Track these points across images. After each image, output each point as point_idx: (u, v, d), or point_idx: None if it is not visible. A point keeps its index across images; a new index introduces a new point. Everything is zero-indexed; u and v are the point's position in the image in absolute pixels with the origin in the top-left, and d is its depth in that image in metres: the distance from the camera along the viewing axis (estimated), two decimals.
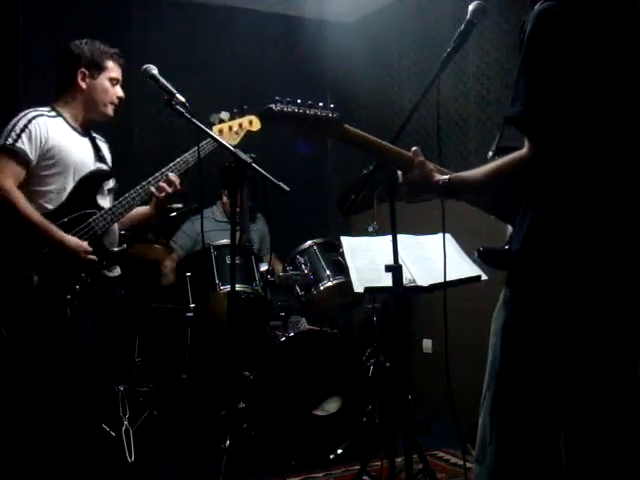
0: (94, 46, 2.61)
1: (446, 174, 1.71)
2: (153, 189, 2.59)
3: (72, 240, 2.46)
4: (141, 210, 2.70)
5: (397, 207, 2.16)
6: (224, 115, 2.69)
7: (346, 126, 1.77)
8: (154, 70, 2.37)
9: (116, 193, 2.72)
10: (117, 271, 2.68)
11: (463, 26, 1.90)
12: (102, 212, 2.54)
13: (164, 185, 2.59)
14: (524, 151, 1.48)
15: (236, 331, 3.00)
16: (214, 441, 3.10)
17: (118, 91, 2.65)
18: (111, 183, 2.69)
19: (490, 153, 1.73)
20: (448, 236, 2.64)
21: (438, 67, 1.91)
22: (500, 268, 1.65)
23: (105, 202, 2.62)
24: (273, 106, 1.71)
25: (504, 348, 1.57)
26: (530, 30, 1.47)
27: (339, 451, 3.38)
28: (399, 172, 1.81)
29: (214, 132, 2.65)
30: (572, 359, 1.51)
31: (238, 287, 3.27)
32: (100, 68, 2.59)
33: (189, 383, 3.56)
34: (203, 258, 3.51)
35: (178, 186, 2.60)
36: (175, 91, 2.31)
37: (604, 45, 1.46)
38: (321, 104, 1.74)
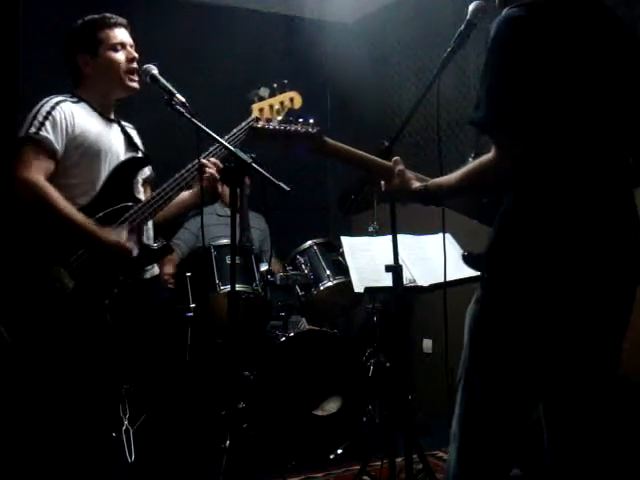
0: (83, 23, 2.43)
1: (425, 181, 1.75)
2: (210, 160, 2.38)
3: (112, 236, 2.28)
4: (180, 199, 2.49)
5: (397, 207, 2.16)
6: (263, 92, 2.49)
7: (326, 139, 1.84)
8: (154, 70, 2.34)
9: (154, 183, 2.57)
10: (155, 270, 2.52)
11: (463, 26, 1.91)
12: (140, 205, 2.36)
13: (212, 171, 2.39)
14: (490, 155, 1.50)
15: (236, 331, 3.00)
16: (214, 441, 3.09)
17: (127, 54, 2.42)
18: (147, 172, 2.54)
19: (470, 159, 1.77)
20: (448, 236, 2.63)
21: (438, 67, 1.92)
22: (479, 270, 1.70)
23: (141, 194, 2.46)
24: (257, 125, 1.83)
25: (472, 343, 1.63)
26: (493, 36, 1.49)
27: (339, 451, 3.38)
28: (382, 182, 1.85)
29: (255, 111, 2.49)
30: (536, 357, 1.56)
31: (238, 287, 3.26)
32: (96, 43, 2.40)
33: (189, 383, 3.55)
34: (203, 258, 3.51)
35: (220, 165, 2.41)
36: (175, 91, 2.28)
37: (566, 52, 1.48)
38: (301, 120, 1.84)
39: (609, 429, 1.62)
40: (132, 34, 2.53)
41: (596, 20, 1.57)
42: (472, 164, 1.57)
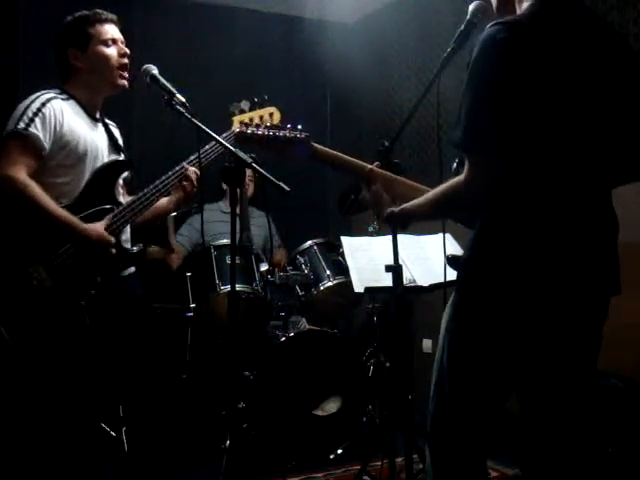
0: (73, 18, 2.41)
1: (415, 191, 1.81)
2: (191, 171, 2.44)
3: (97, 230, 2.27)
4: (160, 204, 2.50)
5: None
6: (244, 104, 2.56)
7: (315, 145, 1.93)
8: (154, 70, 2.33)
9: (131, 184, 2.57)
10: (131, 269, 2.51)
11: (463, 26, 1.91)
12: (120, 208, 2.36)
13: (193, 177, 2.46)
14: (464, 175, 1.54)
15: (236, 331, 3.00)
16: (214, 441, 3.10)
17: (119, 50, 2.42)
18: (126, 173, 2.53)
19: (454, 165, 1.82)
20: (448, 236, 2.63)
21: (438, 67, 1.92)
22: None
23: (122, 196, 2.47)
24: (245, 129, 1.90)
25: (443, 344, 1.72)
26: (474, 56, 1.53)
27: (339, 451, 3.38)
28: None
29: (235, 124, 2.54)
30: (504, 359, 1.62)
31: (238, 287, 3.26)
32: (85, 39, 2.38)
33: (189, 383, 3.55)
34: (203, 258, 3.50)
35: (197, 173, 2.46)
36: (175, 91, 2.28)
37: (545, 72, 1.50)
38: (289, 126, 1.94)
39: (582, 430, 1.66)
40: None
41: (583, 33, 1.58)
42: (445, 185, 1.61)
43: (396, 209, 1.78)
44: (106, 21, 2.43)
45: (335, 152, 1.95)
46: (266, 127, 1.90)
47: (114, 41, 2.43)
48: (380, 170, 1.92)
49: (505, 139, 1.48)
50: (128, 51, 2.45)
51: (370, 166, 1.92)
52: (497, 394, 1.68)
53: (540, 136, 1.51)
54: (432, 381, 1.74)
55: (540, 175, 1.54)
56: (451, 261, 1.80)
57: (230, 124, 2.58)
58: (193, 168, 2.47)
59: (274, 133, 1.88)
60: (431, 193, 1.66)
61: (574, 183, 1.56)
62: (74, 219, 2.26)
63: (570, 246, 1.55)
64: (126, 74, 2.44)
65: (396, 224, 1.85)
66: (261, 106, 2.61)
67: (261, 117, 2.61)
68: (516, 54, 1.48)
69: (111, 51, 2.41)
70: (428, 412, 1.73)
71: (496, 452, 3.18)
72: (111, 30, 2.44)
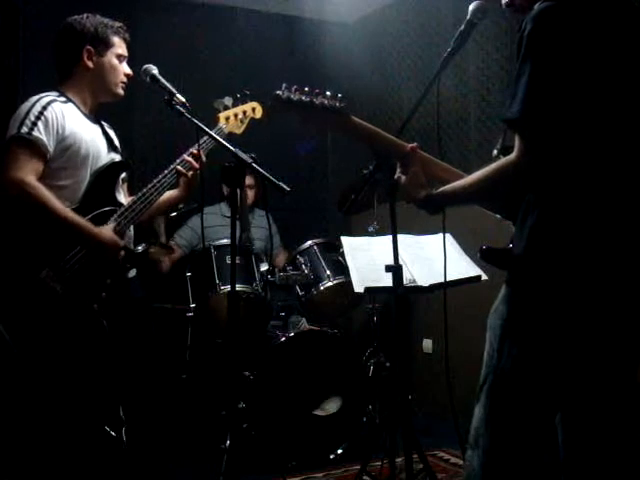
0: (97, 20, 2.43)
1: (449, 175, 1.72)
2: (180, 167, 2.47)
3: (108, 233, 2.27)
4: (166, 197, 2.53)
5: (397, 207, 2.16)
6: (227, 100, 2.64)
7: (353, 118, 1.79)
8: (154, 70, 2.35)
9: (129, 183, 2.59)
10: (133, 272, 2.52)
11: (463, 26, 1.90)
12: (122, 210, 2.37)
13: (190, 159, 2.48)
14: (514, 155, 1.46)
15: (236, 331, 3.00)
16: (214, 441, 3.10)
17: (126, 68, 2.48)
18: (124, 173, 2.54)
19: (495, 151, 1.73)
20: (448, 236, 2.63)
21: (438, 67, 1.92)
22: (501, 267, 1.64)
23: (122, 196, 2.48)
24: (280, 93, 1.72)
25: (502, 344, 1.57)
26: (530, 29, 1.45)
27: (339, 451, 3.38)
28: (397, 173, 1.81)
29: (221, 120, 2.64)
30: (570, 357, 1.52)
31: (238, 287, 3.26)
32: (107, 44, 2.42)
33: (189, 383, 3.56)
34: (203, 258, 3.50)
35: (204, 158, 2.48)
36: (175, 91, 2.29)
37: (604, 45, 1.45)
38: (329, 93, 1.75)
39: (626, 432, 1.59)
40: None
41: (629, 13, 1.52)
42: (487, 168, 1.53)
43: (434, 192, 1.68)
44: (125, 39, 2.50)
45: (373, 127, 1.82)
46: (303, 92, 1.73)
47: (124, 58, 2.49)
48: (420, 151, 1.82)
49: (564, 117, 1.41)
50: (131, 72, 2.50)
51: (411, 145, 1.81)
52: (559, 393, 1.56)
53: (601, 116, 1.44)
54: (485, 387, 1.60)
55: (602, 161, 1.46)
56: (486, 253, 1.65)
57: (216, 120, 2.67)
58: (189, 158, 2.50)
59: (311, 100, 1.73)
60: (473, 176, 1.57)
61: (633, 170, 1.47)
62: (87, 223, 2.26)
63: (630, 238, 1.46)
64: (123, 86, 2.50)
65: (431, 208, 1.71)
66: (243, 101, 2.71)
67: (244, 112, 2.72)
68: (575, 27, 1.43)
69: (122, 67, 2.47)
70: (476, 420, 1.61)
71: None
72: (124, 48, 2.50)
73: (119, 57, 2.46)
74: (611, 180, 1.47)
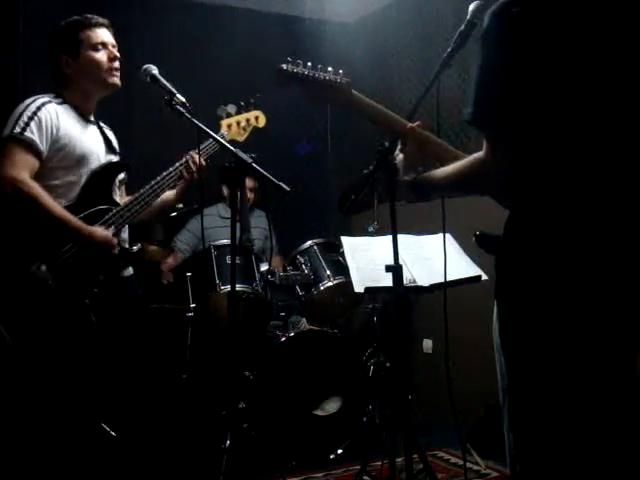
0: (69, 24, 2.44)
1: (446, 154, 1.74)
2: (183, 170, 2.50)
3: (101, 232, 2.31)
4: (162, 198, 2.56)
5: (397, 207, 2.16)
6: (231, 108, 2.64)
7: (354, 92, 1.83)
8: (154, 70, 2.35)
9: (127, 185, 2.61)
10: (130, 270, 2.55)
11: (463, 26, 1.90)
12: (118, 209, 2.40)
13: (191, 163, 2.51)
14: (482, 152, 1.46)
15: (236, 331, 3.00)
16: (214, 441, 3.09)
17: (109, 54, 2.44)
18: (122, 175, 2.57)
19: None
20: (448, 236, 2.63)
21: (438, 67, 1.92)
22: (493, 254, 1.60)
23: (118, 197, 2.50)
24: (284, 66, 1.78)
25: (506, 364, 1.54)
26: (484, 30, 1.45)
27: (339, 451, 3.38)
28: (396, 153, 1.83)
29: (223, 127, 2.66)
30: (560, 359, 1.47)
31: (238, 287, 3.26)
32: (76, 44, 2.41)
33: (189, 383, 3.56)
34: (203, 258, 3.51)
35: (204, 163, 2.52)
36: (175, 91, 2.29)
37: (559, 41, 1.40)
38: (330, 68, 1.81)
39: (626, 431, 1.56)
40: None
41: (592, 9, 1.45)
42: (463, 160, 1.53)
43: (418, 177, 1.67)
44: (96, 25, 2.45)
45: (375, 103, 1.84)
46: (307, 66, 1.79)
47: (104, 45, 2.44)
48: (420, 129, 1.83)
49: (521, 113, 1.38)
50: (118, 54, 2.46)
51: (411, 124, 1.82)
52: (568, 403, 1.49)
53: (562, 112, 1.39)
54: (502, 407, 1.55)
55: (568, 156, 1.41)
56: (480, 239, 1.67)
57: (218, 127, 2.68)
58: (190, 162, 2.52)
59: (314, 74, 1.78)
60: (450, 167, 1.56)
61: (608, 165, 1.42)
62: (77, 220, 2.29)
63: (605, 234, 1.41)
64: (117, 73, 2.46)
65: (413, 195, 1.69)
66: (247, 110, 2.72)
67: (247, 120, 2.73)
68: (528, 25, 1.39)
69: (100, 55, 2.43)
70: (511, 456, 1.56)
71: (496, 452, 3.18)
72: (101, 34, 2.45)
73: (95, 47, 2.43)
74: (580, 176, 1.42)
